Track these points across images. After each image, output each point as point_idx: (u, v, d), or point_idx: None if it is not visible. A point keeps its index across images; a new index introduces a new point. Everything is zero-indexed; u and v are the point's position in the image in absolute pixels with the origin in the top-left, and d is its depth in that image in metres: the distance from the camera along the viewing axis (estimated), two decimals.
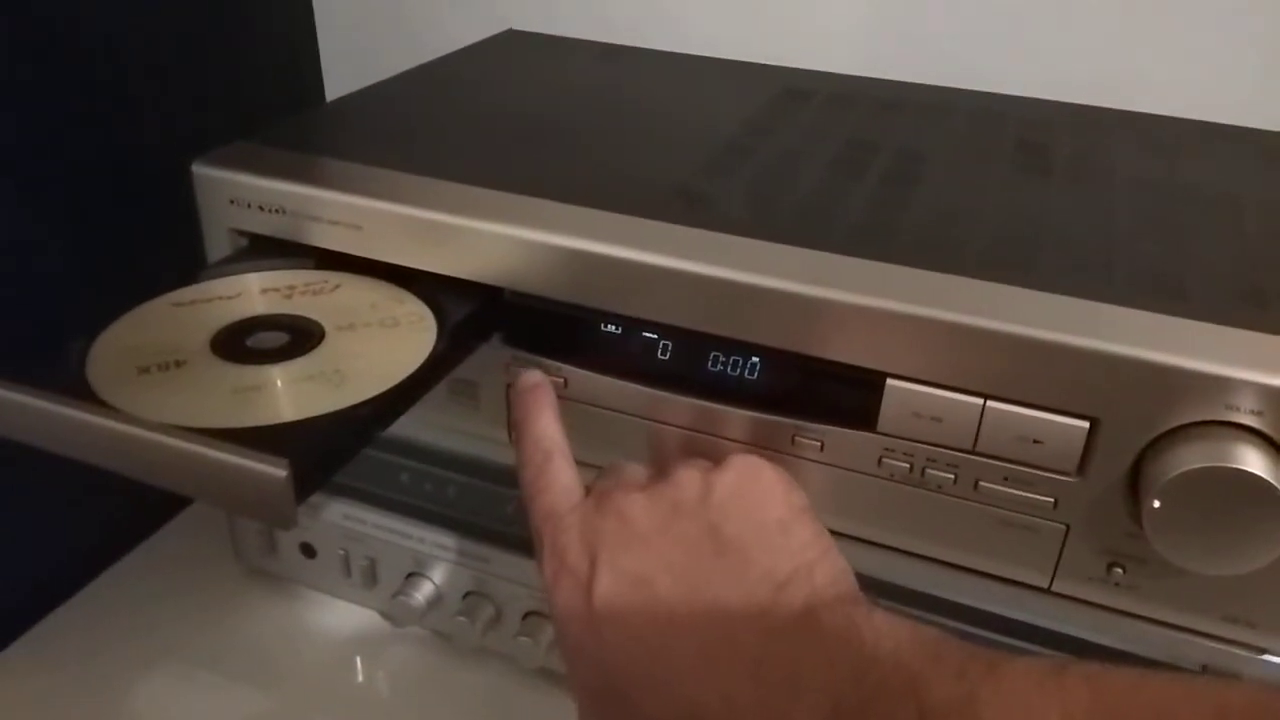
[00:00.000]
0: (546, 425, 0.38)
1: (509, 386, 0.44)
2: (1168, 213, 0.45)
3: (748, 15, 0.68)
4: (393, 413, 0.36)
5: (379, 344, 0.39)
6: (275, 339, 0.38)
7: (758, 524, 0.34)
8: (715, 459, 0.36)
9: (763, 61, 0.65)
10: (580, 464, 0.38)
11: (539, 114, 0.55)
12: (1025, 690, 0.27)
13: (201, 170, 0.45)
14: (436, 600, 0.52)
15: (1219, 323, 0.35)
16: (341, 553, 0.53)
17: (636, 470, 0.38)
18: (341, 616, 0.55)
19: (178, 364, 0.37)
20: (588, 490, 0.37)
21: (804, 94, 0.59)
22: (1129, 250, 0.41)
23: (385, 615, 0.53)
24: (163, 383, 0.36)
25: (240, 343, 0.38)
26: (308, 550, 0.54)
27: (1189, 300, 0.36)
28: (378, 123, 0.53)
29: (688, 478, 0.35)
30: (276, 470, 0.30)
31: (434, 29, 0.73)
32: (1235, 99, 0.58)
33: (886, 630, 0.30)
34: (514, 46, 0.68)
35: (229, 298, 0.41)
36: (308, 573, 0.55)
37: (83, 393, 0.34)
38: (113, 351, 0.37)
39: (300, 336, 0.39)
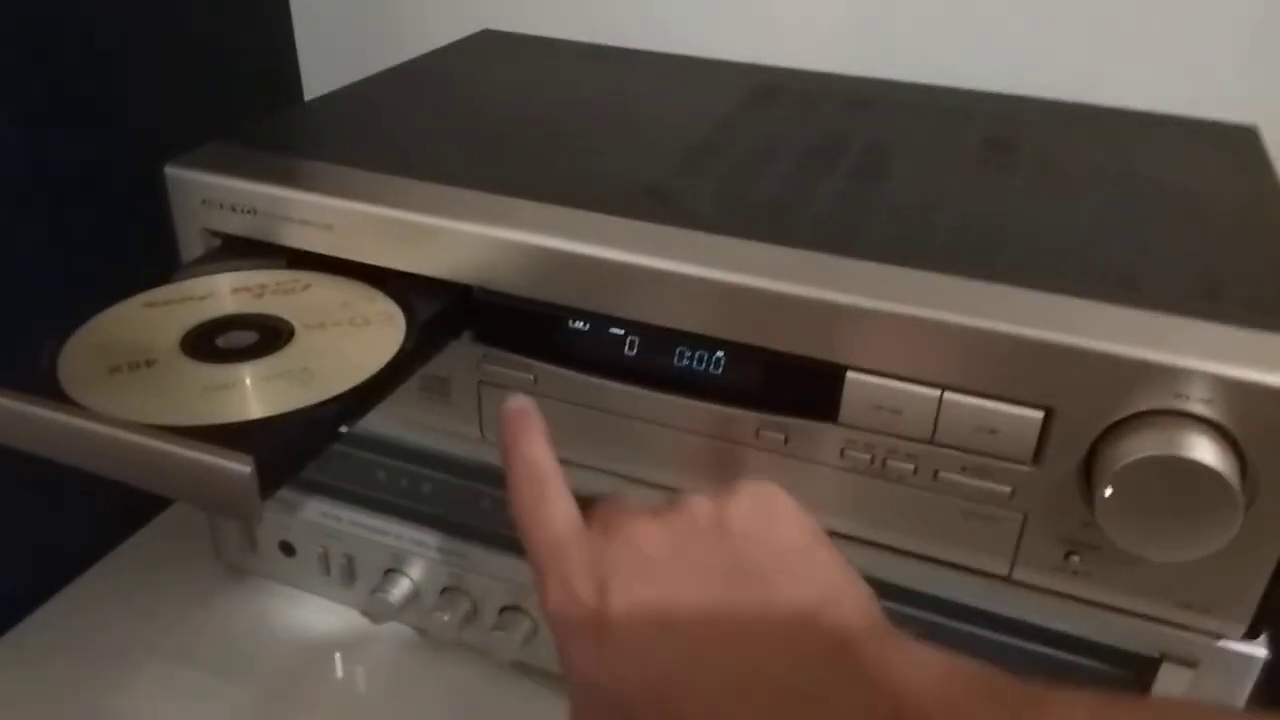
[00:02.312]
0: (537, 450, 0.36)
1: (480, 384, 0.44)
2: (1126, 205, 0.46)
3: (721, 13, 0.68)
4: (359, 409, 0.37)
5: (349, 342, 0.39)
6: (245, 338, 0.39)
7: (778, 550, 0.32)
8: (725, 486, 0.34)
9: (736, 59, 0.66)
10: None
11: (513, 113, 0.56)
12: None
13: (174, 171, 0.45)
14: (414, 596, 0.52)
15: (1171, 313, 0.35)
16: (320, 550, 0.54)
17: (638, 499, 0.35)
18: (321, 614, 0.56)
19: (148, 363, 0.37)
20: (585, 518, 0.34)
21: (775, 91, 0.60)
22: (1086, 243, 0.42)
23: (364, 612, 0.53)
24: (133, 382, 0.36)
25: (210, 342, 0.39)
26: (287, 549, 0.55)
27: (1142, 291, 0.37)
28: (352, 123, 0.54)
29: (699, 504, 0.33)
30: (241, 466, 0.30)
31: (411, 29, 0.73)
32: (1199, 93, 0.59)
33: (922, 663, 0.28)
34: (490, 46, 0.68)
35: (201, 298, 0.42)
36: (287, 571, 0.56)
37: (53, 392, 0.34)
38: (84, 351, 0.38)
39: (270, 335, 0.39)
